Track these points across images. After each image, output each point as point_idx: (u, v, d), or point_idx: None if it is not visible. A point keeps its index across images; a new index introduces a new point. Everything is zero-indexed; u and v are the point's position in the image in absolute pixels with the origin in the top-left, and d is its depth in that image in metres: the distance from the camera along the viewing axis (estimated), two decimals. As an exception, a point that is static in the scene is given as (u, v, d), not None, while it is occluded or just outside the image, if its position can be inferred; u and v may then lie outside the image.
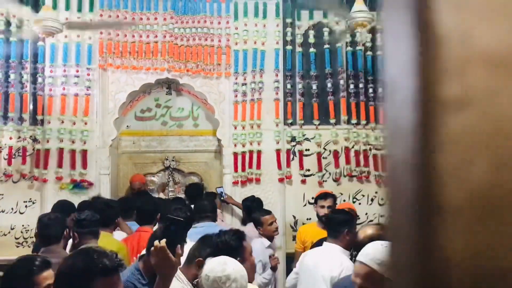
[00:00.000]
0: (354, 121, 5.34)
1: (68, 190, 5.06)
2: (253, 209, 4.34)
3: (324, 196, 4.25)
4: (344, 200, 5.20)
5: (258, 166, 5.22)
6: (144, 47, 5.17)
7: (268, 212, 4.08)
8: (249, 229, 4.22)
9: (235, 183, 5.19)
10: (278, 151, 5.26)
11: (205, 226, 3.57)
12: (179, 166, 5.62)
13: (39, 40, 4.98)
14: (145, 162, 5.62)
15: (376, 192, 5.36)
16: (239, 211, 5.10)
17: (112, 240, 3.50)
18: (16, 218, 4.96)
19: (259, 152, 5.23)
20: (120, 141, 5.57)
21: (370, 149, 5.33)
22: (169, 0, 5.18)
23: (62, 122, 5.08)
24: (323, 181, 5.33)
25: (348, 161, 5.35)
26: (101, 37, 5.15)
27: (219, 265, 1.89)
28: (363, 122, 5.36)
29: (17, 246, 4.95)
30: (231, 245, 2.24)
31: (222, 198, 4.91)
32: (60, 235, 3.03)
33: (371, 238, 2.25)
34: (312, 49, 5.35)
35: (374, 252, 1.78)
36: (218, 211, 4.36)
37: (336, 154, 5.33)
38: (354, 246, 2.58)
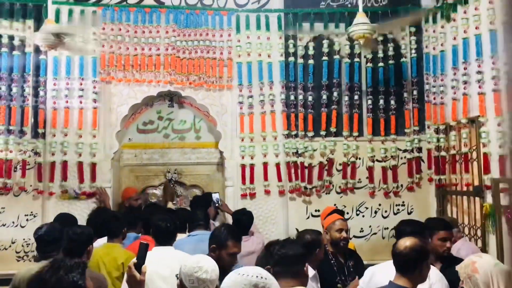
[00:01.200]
0: (355, 133, 5.40)
1: (68, 200, 5.09)
2: (243, 223, 4.29)
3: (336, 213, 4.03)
4: (347, 213, 5.21)
5: (261, 178, 5.27)
6: (147, 60, 5.25)
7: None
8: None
9: (233, 196, 5.24)
10: (279, 164, 5.32)
11: (199, 234, 3.68)
12: (181, 179, 5.65)
13: (41, 54, 5.07)
14: (147, 174, 5.66)
15: (379, 205, 5.38)
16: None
17: (121, 250, 3.54)
18: (17, 232, 4.96)
19: (261, 165, 5.29)
20: (122, 154, 5.60)
21: (373, 161, 5.40)
22: (171, 13, 5.28)
23: (66, 135, 5.16)
24: (326, 193, 5.35)
25: (352, 174, 5.41)
26: (103, 50, 5.22)
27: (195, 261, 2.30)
28: (362, 134, 5.43)
29: (18, 260, 4.96)
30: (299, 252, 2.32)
31: (217, 205, 4.88)
32: (59, 248, 3.03)
33: (412, 249, 2.48)
34: (311, 61, 5.40)
35: None
36: (212, 223, 4.40)
37: (338, 166, 5.40)
38: (394, 256, 2.61)
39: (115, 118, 5.29)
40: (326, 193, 5.36)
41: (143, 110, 5.67)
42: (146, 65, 5.24)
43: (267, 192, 5.26)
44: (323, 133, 5.39)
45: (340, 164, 5.39)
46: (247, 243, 4.25)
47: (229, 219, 5.10)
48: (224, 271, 2.30)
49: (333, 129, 5.38)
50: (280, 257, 2.26)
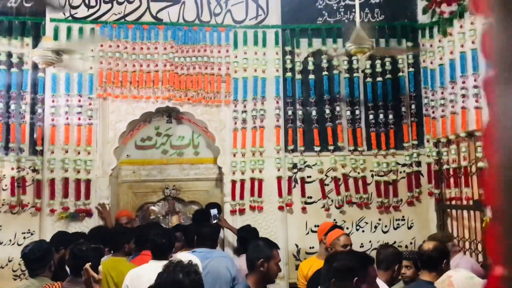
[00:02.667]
0: (351, 147, 5.46)
1: (65, 219, 5.12)
2: (248, 240, 4.29)
3: (333, 227, 4.15)
4: (347, 228, 5.29)
5: (260, 194, 5.29)
6: (145, 77, 5.28)
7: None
8: (243, 261, 4.26)
9: (232, 212, 5.28)
10: (279, 179, 5.34)
11: (204, 251, 3.69)
12: (180, 195, 5.67)
13: (39, 71, 5.14)
14: (145, 191, 5.66)
15: (379, 220, 5.44)
16: (232, 238, 5.11)
17: (127, 263, 3.66)
18: (14, 250, 4.96)
19: (260, 180, 5.31)
20: (120, 170, 5.62)
21: (372, 176, 5.47)
22: (169, 30, 5.33)
23: (66, 151, 5.20)
24: (326, 208, 5.40)
25: (351, 188, 5.46)
26: (101, 67, 5.27)
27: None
28: (361, 148, 5.48)
29: (15, 279, 4.97)
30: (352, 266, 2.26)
31: (215, 221, 4.85)
32: (45, 266, 3.07)
33: (435, 249, 2.90)
34: (311, 76, 5.47)
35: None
36: None
37: (337, 181, 5.44)
38: (420, 255, 3.04)
39: (113, 135, 5.32)
40: (326, 209, 5.41)
41: (141, 126, 5.69)
42: (144, 81, 5.27)
43: (260, 209, 5.28)
44: (330, 147, 5.46)
45: (338, 179, 5.44)
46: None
47: (231, 236, 5.19)
48: (271, 282, 2.46)
49: (341, 143, 5.45)
50: (335, 270, 2.24)
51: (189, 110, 5.41)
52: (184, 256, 2.92)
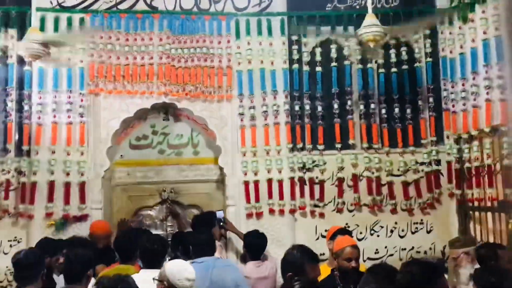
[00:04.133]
0: (364, 144, 5.40)
1: (57, 226, 5.06)
2: (256, 247, 4.36)
3: (341, 231, 4.16)
4: (361, 233, 5.29)
5: (269, 196, 5.28)
6: (139, 70, 5.23)
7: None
8: (250, 268, 4.30)
9: (249, 215, 5.25)
10: (288, 180, 5.32)
11: (204, 261, 3.60)
12: (178, 198, 5.62)
13: (26, 65, 5.08)
14: (141, 194, 5.62)
15: (395, 223, 5.38)
16: (238, 244, 5.07)
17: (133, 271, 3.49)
18: (0, 259, 4.89)
19: (269, 181, 5.29)
20: (113, 172, 5.58)
21: (386, 175, 5.40)
22: (165, 19, 5.27)
23: (53, 152, 5.14)
24: (337, 211, 5.36)
25: (364, 190, 5.39)
26: (92, 60, 5.21)
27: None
28: (375, 146, 5.42)
29: (0, 291, 4.97)
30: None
31: (222, 223, 4.86)
32: (37, 275, 3.05)
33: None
34: (318, 68, 5.41)
35: None
36: (217, 244, 4.31)
37: (351, 181, 5.40)
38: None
39: (105, 134, 5.29)
40: (338, 211, 5.35)
41: (136, 124, 5.66)
42: (139, 75, 5.23)
43: (272, 211, 5.26)
44: (337, 145, 5.41)
45: (351, 179, 5.38)
46: (260, 268, 4.30)
47: (235, 240, 5.17)
48: None
49: (352, 141, 5.38)
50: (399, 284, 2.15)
51: (187, 106, 5.37)
52: (179, 264, 2.93)
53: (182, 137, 5.70)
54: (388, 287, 2.14)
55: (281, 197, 5.28)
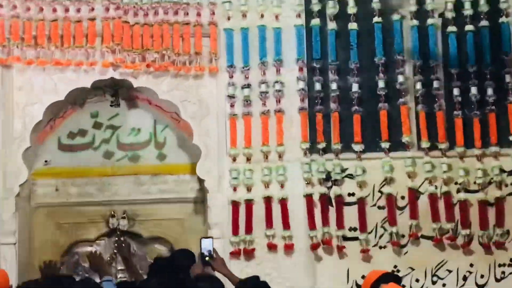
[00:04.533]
0: (425, 143, 5.19)
1: None
2: None
3: (385, 279, 3.81)
4: (417, 281, 5.09)
5: (269, 224, 5.10)
6: (73, 29, 5.06)
7: None
8: None
9: (232, 253, 5.08)
10: (302, 198, 5.14)
11: None
12: (134, 228, 5.44)
13: None
14: (76, 221, 5.43)
15: (470, 265, 5.15)
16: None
17: None
18: None
19: (268, 200, 5.10)
20: (34, 187, 5.40)
21: (458, 191, 5.18)
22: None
23: None
24: (381, 247, 5.15)
25: (423, 213, 5.16)
26: (1, 14, 5.05)
27: None
28: (442, 145, 5.20)
29: None
30: None
31: (207, 258, 4.44)
32: None
33: None
34: (352, 25, 5.25)
35: None
36: None
37: (400, 201, 5.19)
38: None
39: (21, 127, 5.08)
40: (382, 247, 5.15)
41: (68, 113, 5.44)
42: (73, 36, 5.06)
43: (273, 247, 5.09)
44: (383, 145, 5.19)
45: (404, 197, 5.18)
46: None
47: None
48: None
49: (406, 137, 5.17)
50: None
51: (148, 84, 5.16)
52: None
53: (140, 132, 5.52)
54: None
55: (286, 225, 5.10)
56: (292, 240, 5.09)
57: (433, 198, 5.14)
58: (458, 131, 5.20)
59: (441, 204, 5.16)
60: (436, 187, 5.16)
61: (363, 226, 5.12)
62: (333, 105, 5.18)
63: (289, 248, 5.06)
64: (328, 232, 5.09)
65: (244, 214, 5.09)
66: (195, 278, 4.19)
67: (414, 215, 5.11)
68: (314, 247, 5.07)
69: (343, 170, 5.16)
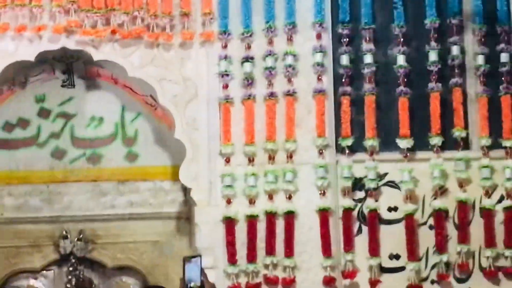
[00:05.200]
0: (485, 141, 4.59)
1: None
2: None
3: None
4: None
5: (270, 249, 4.54)
6: None
7: None
8: None
9: None
10: (315, 214, 4.58)
11: None
12: (95, 253, 4.86)
13: None
14: (15, 245, 4.86)
15: None
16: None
17: None
18: None
19: (271, 217, 4.52)
20: None
21: None
22: None
23: None
24: (433, 281, 4.54)
25: (504, 236, 4.51)
26: None
27: None
28: (508, 143, 4.62)
29: None
30: None
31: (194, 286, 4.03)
32: None
33: None
34: None
35: None
36: None
37: (465, 217, 4.53)
38: None
39: None
40: (434, 282, 4.51)
41: (4, 96, 4.94)
42: None
43: (276, 283, 4.55)
44: (434, 141, 4.53)
45: (462, 212, 4.57)
46: None
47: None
48: None
49: (459, 131, 4.53)
50: None
51: (113, 57, 4.58)
52: None
53: (102, 123, 4.96)
54: None
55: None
56: (296, 271, 4.51)
57: (505, 215, 4.58)
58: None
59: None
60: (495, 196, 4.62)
61: (412, 253, 4.45)
62: (367, 86, 4.51)
63: (287, 284, 4.49)
64: (352, 260, 4.48)
65: (245, 235, 4.49)
66: None
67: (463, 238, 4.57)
68: (327, 282, 4.46)
69: (379, 176, 4.50)
